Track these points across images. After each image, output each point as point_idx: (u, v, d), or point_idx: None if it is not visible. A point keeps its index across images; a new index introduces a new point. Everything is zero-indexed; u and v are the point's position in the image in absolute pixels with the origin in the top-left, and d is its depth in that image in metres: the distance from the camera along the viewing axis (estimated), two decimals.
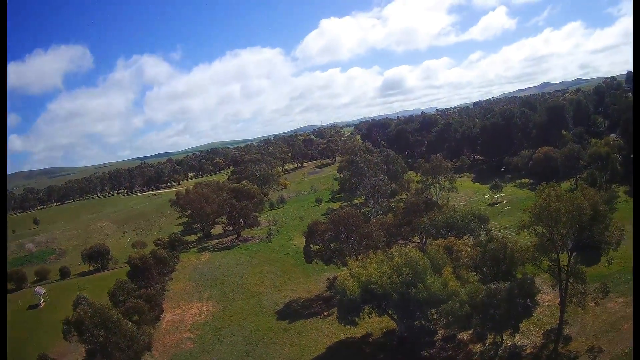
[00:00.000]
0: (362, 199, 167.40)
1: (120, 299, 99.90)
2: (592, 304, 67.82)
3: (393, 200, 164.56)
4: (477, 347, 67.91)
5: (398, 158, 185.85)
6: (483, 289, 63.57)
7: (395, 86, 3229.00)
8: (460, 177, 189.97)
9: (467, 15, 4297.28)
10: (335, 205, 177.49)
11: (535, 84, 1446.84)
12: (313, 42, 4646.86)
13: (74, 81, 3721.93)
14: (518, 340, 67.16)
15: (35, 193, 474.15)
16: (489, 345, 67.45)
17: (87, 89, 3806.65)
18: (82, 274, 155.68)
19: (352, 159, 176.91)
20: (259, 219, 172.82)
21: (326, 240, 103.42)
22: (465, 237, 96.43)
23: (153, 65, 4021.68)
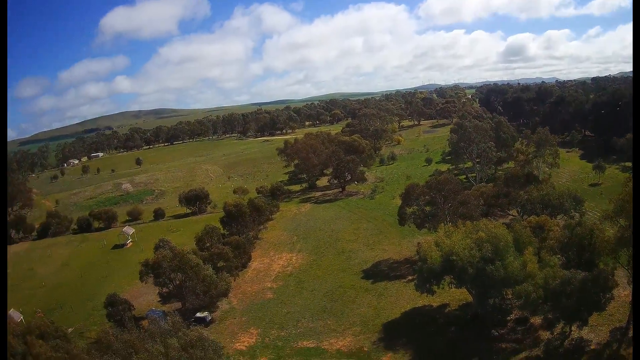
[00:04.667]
0: (469, 164, 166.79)
1: (207, 245, 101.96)
2: None
3: (500, 168, 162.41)
4: (546, 335, 65.90)
5: (509, 126, 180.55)
6: (560, 276, 62.14)
7: (517, 53, 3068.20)
8: (569, 152, 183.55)
9: None
10: (444, 167, 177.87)
11: None
12: (437, 1, 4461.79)
13: (189, 27, 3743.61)
14: (586, 333, 64.61)
15: (142, 133, 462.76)
16: (557, 334, 65.57)
17: (202, 34, 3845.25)
18: (177, 216, 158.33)
19: (462, 123, 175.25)
20: (365, 174, 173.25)
21: (422, 204, 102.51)
22: (560, 216, 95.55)
23: (272, 14, 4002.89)
